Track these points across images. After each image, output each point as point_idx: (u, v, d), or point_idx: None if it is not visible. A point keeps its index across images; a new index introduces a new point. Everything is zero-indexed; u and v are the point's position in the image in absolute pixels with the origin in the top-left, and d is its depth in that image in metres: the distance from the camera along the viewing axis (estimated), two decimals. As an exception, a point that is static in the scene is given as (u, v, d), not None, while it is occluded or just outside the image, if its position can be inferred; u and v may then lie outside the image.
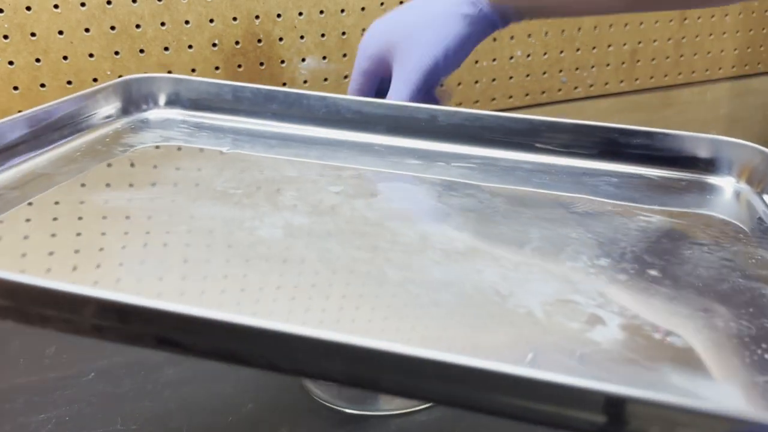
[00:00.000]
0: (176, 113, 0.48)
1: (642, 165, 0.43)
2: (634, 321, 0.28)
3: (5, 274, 0.23)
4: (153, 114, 0.47)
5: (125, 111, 0.47)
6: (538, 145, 0.44)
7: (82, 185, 0.38)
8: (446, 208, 0.38)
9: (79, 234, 0.33)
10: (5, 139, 0.39)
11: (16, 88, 0.62)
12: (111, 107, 0.46)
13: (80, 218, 0.35)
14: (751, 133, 0.94)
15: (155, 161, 0.42)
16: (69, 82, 0.64)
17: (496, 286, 0.30)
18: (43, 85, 0.63)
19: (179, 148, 0.44)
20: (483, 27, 0.48)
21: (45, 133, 0.41)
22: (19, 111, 0.62)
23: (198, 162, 0.42)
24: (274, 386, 0.53)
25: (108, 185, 0.37)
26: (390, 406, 0.49)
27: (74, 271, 0.30)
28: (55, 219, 0.34)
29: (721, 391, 0.25)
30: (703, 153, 0.42)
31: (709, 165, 0.43)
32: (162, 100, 0.48)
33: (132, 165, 0.41)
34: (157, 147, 0.44)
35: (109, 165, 0.40)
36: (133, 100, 0.47)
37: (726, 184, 0.42)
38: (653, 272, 0.33)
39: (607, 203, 0.39)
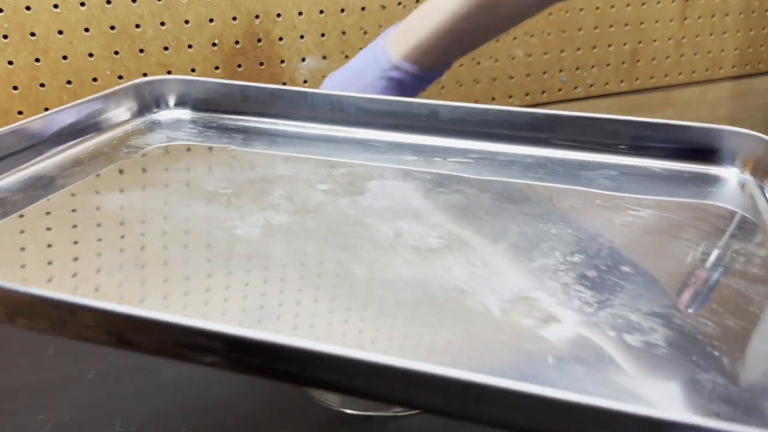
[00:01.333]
0: (186, 114, 0.49)
1: (644, 157, 0.42)
2: (590, 318, 0.28)
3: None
4: (164, 115, 0.48)
5: (137, 113, 0.48)
6: (539, 138, 0.43)
7: (74, 194, 0.38)
8: (430, 205, 0.37)
9: (76, 242, 0.33)
10: (16, 143, 0.39)
11: (15, 87, 0.62)
12: (123, 110, 0.47)
13: (75, 227, 0.35)
14: (751, 132, 0.93)
15: (158, 162, 0.42)
16: (69, 82, 0.63)
17: (461, 285, 0.30)
18: (42, 85, 0.63)
19: (188, 149, 0.45)
20: (404, 88, 0.52)
21: (55, 137, 0.42)
22: (19, 111, 0.62)
23: (198, 162, 0.42)
24: (273, 387, 0.52)
25: (97, 192, 0.38)
26: (389, 406, 0.49)
27: (73, 278, 0.30)
28: (49, 229, 0.34)
29: (661, 388, 0.25)
30: (706, 144, 0.41)
31: (712, 156, 0.41)
32: (172, 101, 0.49)
33: (132, 168, 0.41)
34: (164, 148, 0.44)
35: (113, 168, 0.41)
36: (145, 102, 0.48)
37: (730, 175, 0.41)
38: (626, 268, 0.32)
39: (598, 197, 0.38)
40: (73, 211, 0.36)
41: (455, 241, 0.33)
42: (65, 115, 0.43)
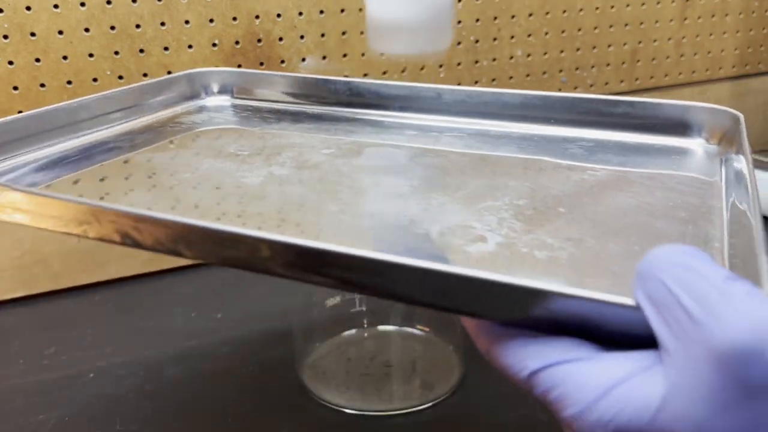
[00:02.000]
0: (227, 100, 0.56)
1: (623, 131, 0.46)
2: (512, 241, 0.32)
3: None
4: (209, 101, 0.56)
5: (187, 98, 0.55)
6: (529, 116, 0.48)
7: (149, 156, 0.45)
8: (413, 165, 0.42)
9: (130, 190, 0.40)
10: (79, 114, 0.48)
11: (15, 88, 0.62)
12: (175, 95, 0.55)
13: (127, 178, 0.42)
14: (751, 132, 0.93)
15: (196, 135, 0.50)
16: (69, 82, 0.63)
17: (413, 217, 0.35)
18: (42, 85, 0.63)
19: (224, 127, 0.51)
20: None
21: (113, 113, 0.50)
22: (19, 111, 0.63)
23: (230, 135, 0.49)
24: (273, 386, 0.53)
25: (151, 159, 0.44)
26: (389, 406, 0.49)
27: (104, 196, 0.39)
28: (102, 179, 0.42)
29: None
30: (677, 118, 0.45)
31: (683, 129, 0.45)
32: (216, 88, 0.57)
33: (174, 138, 0.48)
34: (204, 124, 0.51)
35: (158, 137, 0.49)
36: (194, 89, 0.56)
37: (696, 146, 0.44)
38: (561, 209, 0.35)
39: (566, 162, 0.42)
40: (126, 162, 0.44)
41: (423, 189, 0.39)
42: (124, 95, 0.51)
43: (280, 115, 0.53)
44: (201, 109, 0.54)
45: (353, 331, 0.55)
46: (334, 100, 0.54)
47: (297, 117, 0.52)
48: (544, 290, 0.23)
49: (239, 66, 0.69)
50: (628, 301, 0.22)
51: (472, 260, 0.30)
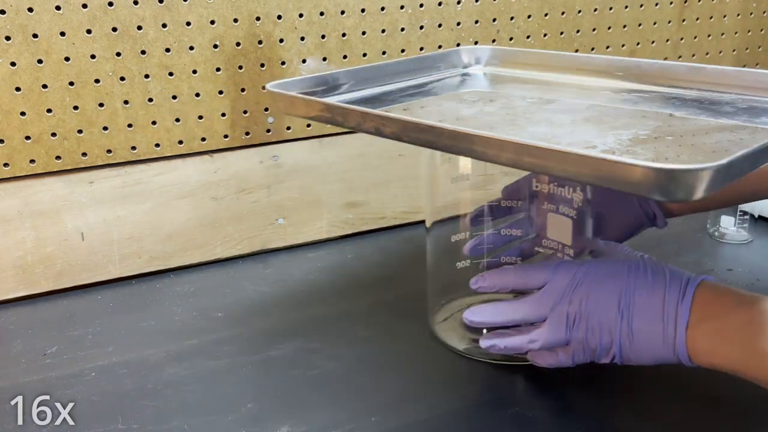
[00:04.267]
0: (481, 69, 0.70)
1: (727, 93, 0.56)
2: (612, 149, 0.44)
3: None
4: (473, 69, 0.70)
5: (454, 66, 0.70)
6: (680, 82, 0.59)
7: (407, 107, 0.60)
8: (584, 110, 0.54)
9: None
10: (377, 74, 0.64)
11: (18, 89, 0.63)
12: (448, 64, 0.70)
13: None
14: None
15: (450, 91, 0.66)
16: (71, 83, 0.64)
17: (557, 135, 0.48)
18: (45, 86, 0.63)
19: (474, 88, 0.66)
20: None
21: (398, 74, 0.66)
22: (22, 113, 0.63)
23: (474, 92, 0.64)
24: (273, 386, 0.53)
25: (425, 106, 0.59)
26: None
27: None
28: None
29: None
30: None
31: None
32: (475, 61, 0.71)
33: (438, 92, 0.65)
34: (459, 86, 0.67)
35: (427, 92, 0.64)
36: (462, 60, 0.71)
37: None
38: (669, 138, 0.46)
39: (703, 118, 0.51)
40: (405, 110, 0.58)
41: (578, 123, 0.51)
42: (409, 62, 0.67)
43: (519, 81, 0.67)
44: (461, 76, 0.69)
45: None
46: (561, 68, 0.66)
47: (525, 80, 0.66)
48: (565, 151, 0.38)
49: (240, 68, 0.69)
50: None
51: (579, 149, 0.42)
